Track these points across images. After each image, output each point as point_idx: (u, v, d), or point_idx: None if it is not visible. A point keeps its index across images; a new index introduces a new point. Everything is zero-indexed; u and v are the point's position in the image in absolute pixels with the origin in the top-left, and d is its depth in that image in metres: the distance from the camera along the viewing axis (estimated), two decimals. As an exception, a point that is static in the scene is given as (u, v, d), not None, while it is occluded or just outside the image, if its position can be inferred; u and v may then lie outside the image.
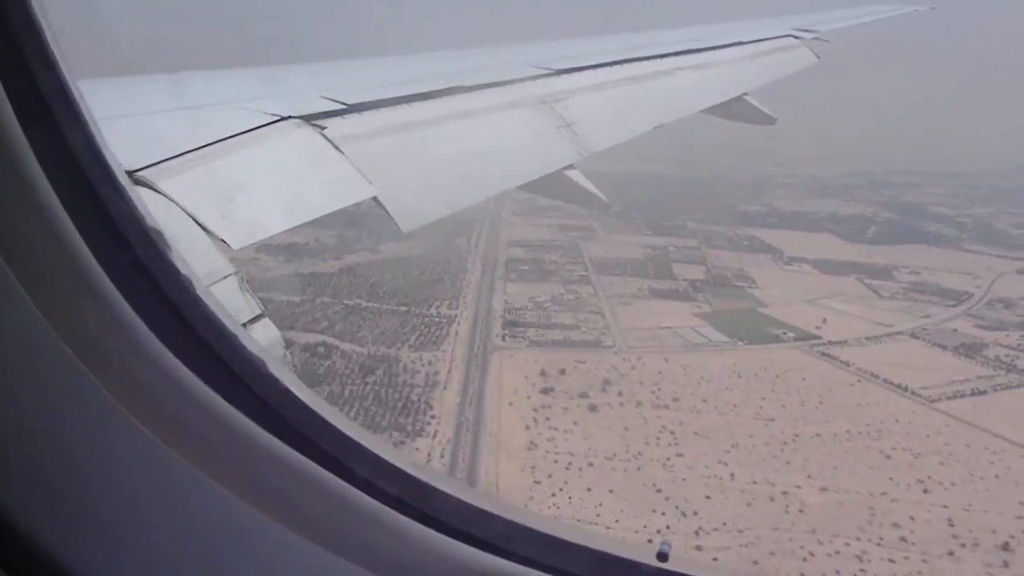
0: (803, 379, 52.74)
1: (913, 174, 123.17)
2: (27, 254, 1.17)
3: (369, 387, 49.39)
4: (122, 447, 1.24)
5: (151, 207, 1.45)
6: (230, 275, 2.65)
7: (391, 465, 1.41)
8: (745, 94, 7.30)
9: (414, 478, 1.41)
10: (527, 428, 45.48)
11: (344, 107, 4.03)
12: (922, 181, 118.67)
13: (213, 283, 2.59)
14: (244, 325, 2.50)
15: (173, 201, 2.76)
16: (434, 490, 1.41)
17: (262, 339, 2.50)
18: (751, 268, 77.98)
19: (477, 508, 1.40)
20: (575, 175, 4.95)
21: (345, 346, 54.96)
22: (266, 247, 77.00)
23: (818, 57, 8.67)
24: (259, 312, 2.64)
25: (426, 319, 61.30)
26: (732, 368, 54.39)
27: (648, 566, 1.31)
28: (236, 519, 1.25)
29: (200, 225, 2.76)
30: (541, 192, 5.02)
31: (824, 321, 62.78)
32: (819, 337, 60.31)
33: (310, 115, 3.82)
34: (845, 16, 10.80)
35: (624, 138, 5.66)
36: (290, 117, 3.72)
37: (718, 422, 46.57)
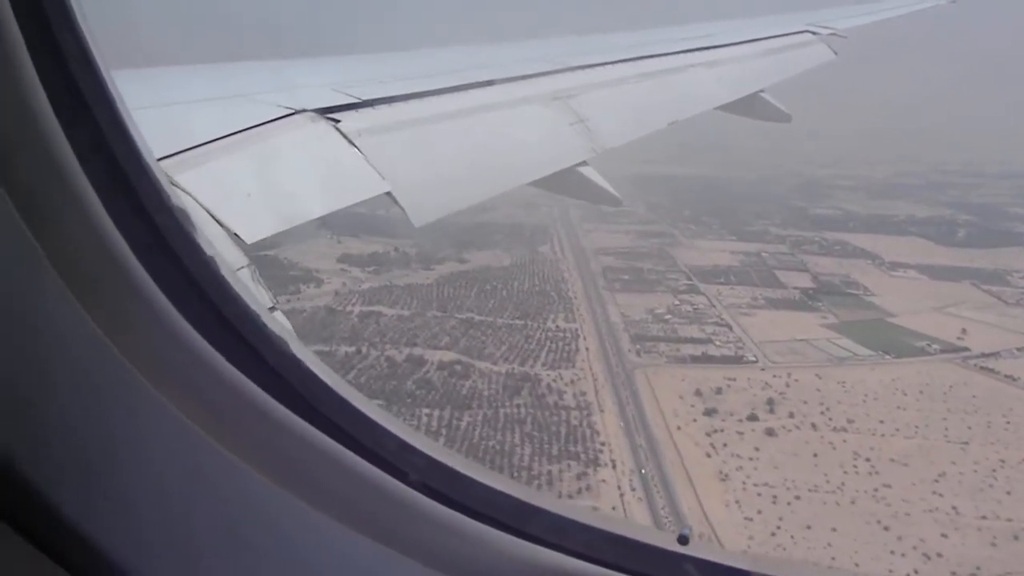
0: (973, 396, 49.20)
1: (965, 174, 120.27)
2: (55, 231, 1.20)
3: (524, 411, 45.68)
4: (145, 420, 1.27)
5: None
6: (244, 267, 2.64)
7: (410, 445, 1.42)
8: (761, 91, 7.07)
9: (435, 460, 1.41)
10: (708, 456, 41.91)
11: (358, 101, 3.97)
12: (978, 181, 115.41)
13: None
14: None
15: (188, 193, 2.75)
16: (455, 472, 1.40)
17: None
18: (856, 275, 74.59)
19: (494, 490, 1.39)
20: (589, 171, 4.80)
21: (480, 364, 51.31)
22: (348, 257, 74.39)
23: (836, 53, 8.37)
24: (271, 305, 2.58)
25: (548, 334, 57.69)
26: (892, 384, 50.87)
27: (670, 551, 1.31)
28: (255, 493, 1.27)
29: (214, 218, 2.74)
30: (555, 189, 4.86)
31: (964, 331, 59.23)
32: (966, 349, 56.77)
33: (324, 108, 3.77)
34: (863, 11, 10.40)
35: (639, 135, 5.55)
36: (304, 111, 3.69)
37: (909, 447, 43.02)
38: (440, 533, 1.31)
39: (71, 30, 1.23)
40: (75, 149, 1.20)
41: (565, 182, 4.76)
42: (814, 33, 8.55)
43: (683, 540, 1.32)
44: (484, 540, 1.30)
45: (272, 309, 2.53)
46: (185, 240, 1.36)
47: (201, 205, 2.74)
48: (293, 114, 3.61)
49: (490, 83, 4.93)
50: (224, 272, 1.41)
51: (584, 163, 4.79)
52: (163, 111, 3.43)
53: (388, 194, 3.54)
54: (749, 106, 6.94)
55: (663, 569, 1.30)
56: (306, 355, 1.44)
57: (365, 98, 4.00)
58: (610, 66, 5.95)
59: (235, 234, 2.76)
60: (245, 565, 1.25)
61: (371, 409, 1.44)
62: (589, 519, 1.35)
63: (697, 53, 6.88)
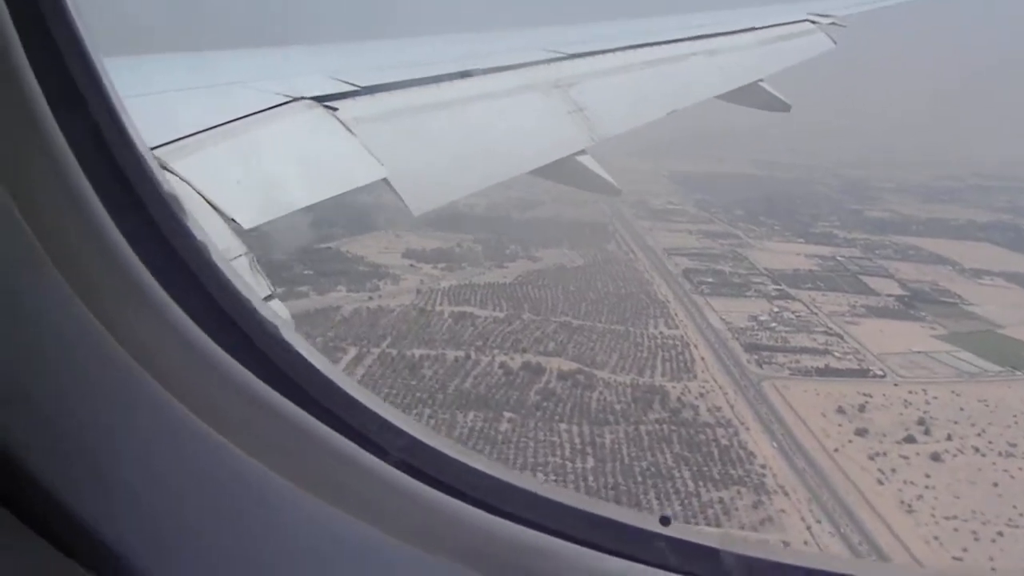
0: None
1: (1004, 178, 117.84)
2: (47, 220, 1.19)
3: (666, 428, 41.88)
4: (135, 402, 1.28)
5: None
6: (241, 255, 2.63)
7: (399, 428, 1.45)
8: (760, 80, 7.06)
9: (422, 443, 1.44)
10: (880, 483, 38.44)
11: (356, 89, 3.94)
12: (1019, 184, 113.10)
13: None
14: None
15: (184, 180, 2.73)
16: (440, 454, 1.43)
17: None
18: (944, 282, 71.66)
19: (478, 470, 1.42)
20: (587, 160, 4.81)
21: (600, 374, 47.44)
22: (413, 253, 70.14)
23: (835, 43, 8.46)
24: (269, 292, 2.62)
25: (655, 340, 54.02)
26: (1037, 404, 47.63)
27: (649, 531, 1.33)
28: (242, 472, 1.28)
29: (212, 205, 2.73)
30: (553, 177, 4.85)
31: (1085, 346, 56.25)
32: (1097, 365, 53.77)
33: (322, 96, 3.75)
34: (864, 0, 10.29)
35: (638, 124, 5.55)
36: (302, 98, 3.67)
37: (1089, 475, 39.75)
38: (431, 516, 1.31)
39: (64, 21, 1.22)
40: (70, 142, 1.19)
41: (564, 171, 4.74)
42: (814, 22, 8.49)
43: (665, 522, 1.32)
44: (468, 520, 1.31)
45: (269, 297, 2.43)
46: (176, 227, 1.36)
47: (197, 192, 2.69)
48: (290, 102, 3.58)
49: (489, 71, 4.86)
50: (215, 258, 1.41)
51: (583, 152, 4.77)
52: (159, 99, 3.39)
53: (385, 180, 3.52)
54: (748, 95, 6.93)
55: (642, 548, 1.30)
56: (296, 340, 1.45)
57: (363, 85, 3.97)
58: (609, 54, 5.88)
59: (232, 219, 2.71)
60: (240, 549, 1.24)
61: (359, 392, 1.46)
62: (571, 500, 1.38)
63: (696, 41, 6.82)
